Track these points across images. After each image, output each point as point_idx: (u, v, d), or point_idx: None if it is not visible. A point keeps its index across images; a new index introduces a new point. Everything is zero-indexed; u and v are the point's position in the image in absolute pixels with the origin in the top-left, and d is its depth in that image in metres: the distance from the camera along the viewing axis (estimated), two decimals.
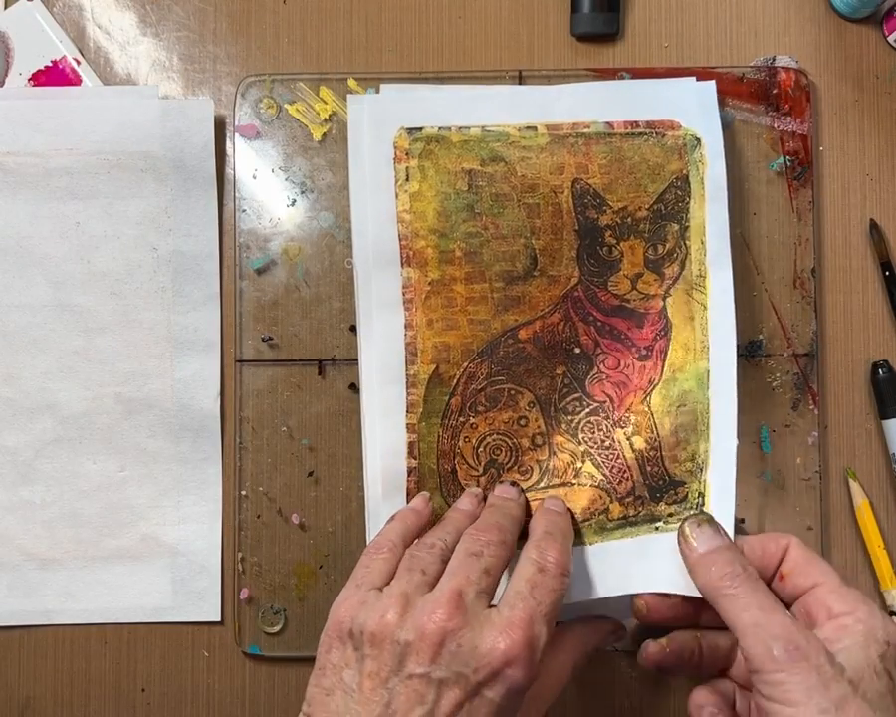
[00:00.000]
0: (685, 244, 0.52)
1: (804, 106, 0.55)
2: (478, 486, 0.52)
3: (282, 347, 0.55)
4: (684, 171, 0.52)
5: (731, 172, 0.55)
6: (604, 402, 0.52)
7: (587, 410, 0.52)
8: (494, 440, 0.52)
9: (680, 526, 0.47)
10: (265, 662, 0.55)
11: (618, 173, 0.52)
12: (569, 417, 0.52)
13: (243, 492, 0.55)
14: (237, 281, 0.55)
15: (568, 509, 0.50)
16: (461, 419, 0.52)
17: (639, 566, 0.50)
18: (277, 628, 0.55)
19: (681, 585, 0.48)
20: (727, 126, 0.55)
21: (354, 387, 0.54)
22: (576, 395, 0.52)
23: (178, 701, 0.55)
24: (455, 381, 0.52)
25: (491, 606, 0.43)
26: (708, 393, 0.51)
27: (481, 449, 0.52)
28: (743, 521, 0.54)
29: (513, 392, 0.52)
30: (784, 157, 0.55)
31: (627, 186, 0.52)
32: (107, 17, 0.57)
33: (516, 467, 0.52)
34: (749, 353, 0.55)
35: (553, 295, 0.52)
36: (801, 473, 0.55)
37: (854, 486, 0.55)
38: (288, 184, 0.56)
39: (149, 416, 0.55)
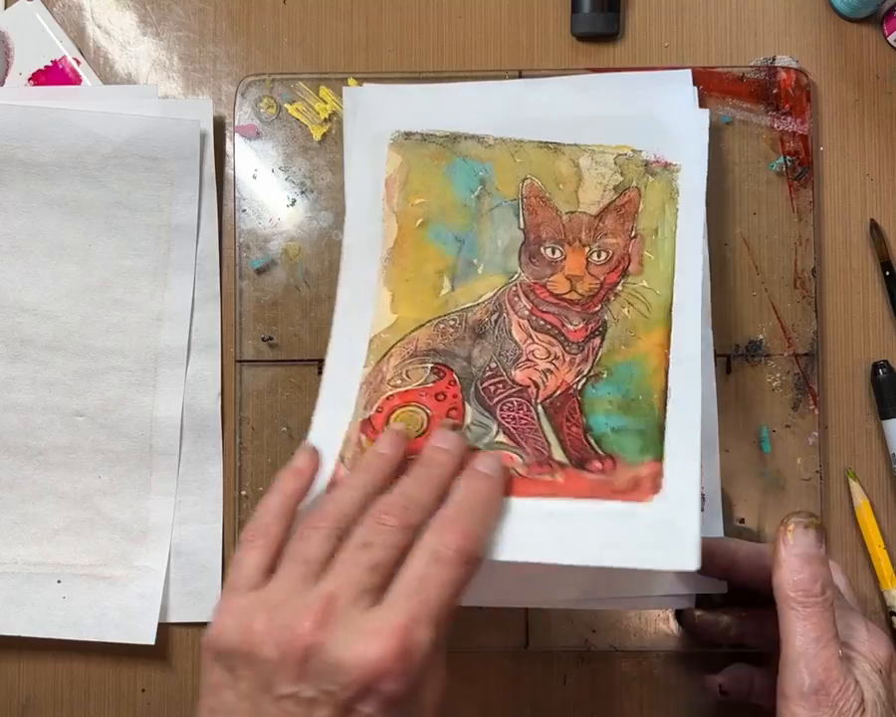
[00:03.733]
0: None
1: (804, 106, 0.55)
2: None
3: (282, 347, 0.55)
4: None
5: (731, 172, 0.55)
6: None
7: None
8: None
9: (786, 518, 0.45)
10: None
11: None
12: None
13: (243, 492, 0.55)
14: (237, 281, 0.55)
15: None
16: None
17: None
18: None
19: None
20: (727, 126, 0.55)
21: None
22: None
23: (178, 701, 0.55)
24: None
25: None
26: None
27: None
28: (742, 521, 0.54)
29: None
30: (785, 157, 0.55)
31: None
32: (107, 17, 0.57)
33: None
34: (749, 353, 0.55)
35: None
36: (802, 473, 0.55)
37: (854, 486, 0.55)
38: (288, 184, 0.56)
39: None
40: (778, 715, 0.43)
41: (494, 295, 0.53)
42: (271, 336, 0.55)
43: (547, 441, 0.50)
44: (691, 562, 0.42)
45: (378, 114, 0.54)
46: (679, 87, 0.54)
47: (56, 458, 0.55)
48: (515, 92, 0.54)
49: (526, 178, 0.53)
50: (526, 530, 0.45)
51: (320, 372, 0.55)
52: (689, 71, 0.54)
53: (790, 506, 0.54)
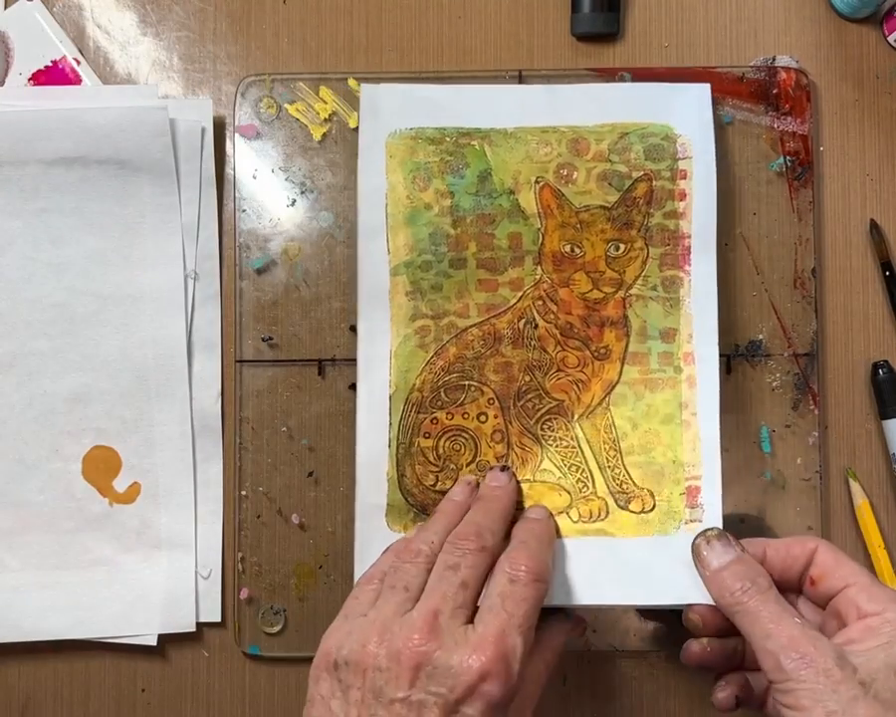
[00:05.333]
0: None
1: (804, 106, 0.55)
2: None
3: (282, 347, 0.55)
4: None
5: (731, 172, 0.55)
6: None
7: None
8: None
9: (692, 543, 0.48)
10: (265, 662, 0.55)
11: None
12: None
13: (243, 492, 0.55)
14: (237, 281, 0.55)
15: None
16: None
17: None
18: (277, 628, 0.55)
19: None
20: (727, 126, 0.55)
21: (354, 387, 0.54)
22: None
23: (178, 701, 0.55)
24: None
25: (470, 622, 0.43)
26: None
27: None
28: (743, 521, 0.54)
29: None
30: (785, 157, 0.55)
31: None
32: (107, 17, 0.57)
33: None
34: (749, 353, 0.55)
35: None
36: (802, 473, 0.55)
37: (854, 486, 0.55)
38: (288, 184, 0.56)
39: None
40: (775, 708, 0.42)
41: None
42: (271, 336, 0.55)
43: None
44: None
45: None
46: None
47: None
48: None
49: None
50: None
51: (319, 373, 0.55)
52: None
53: (791, 506, 0.54)
